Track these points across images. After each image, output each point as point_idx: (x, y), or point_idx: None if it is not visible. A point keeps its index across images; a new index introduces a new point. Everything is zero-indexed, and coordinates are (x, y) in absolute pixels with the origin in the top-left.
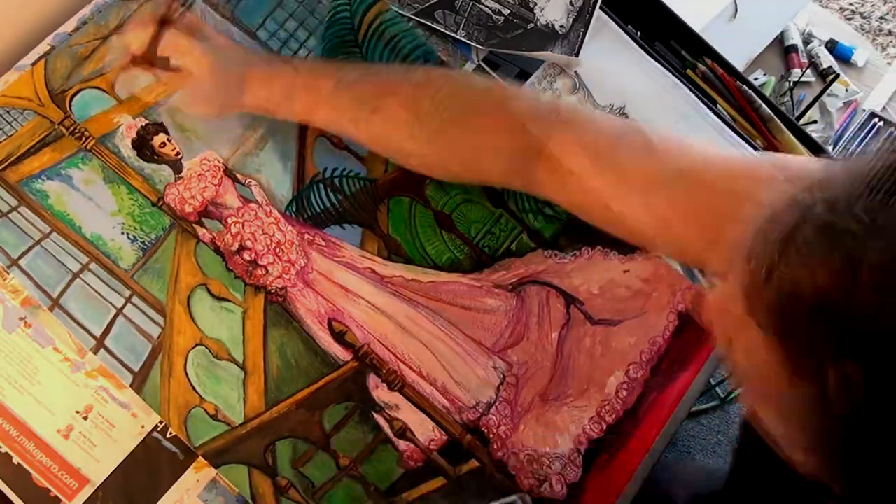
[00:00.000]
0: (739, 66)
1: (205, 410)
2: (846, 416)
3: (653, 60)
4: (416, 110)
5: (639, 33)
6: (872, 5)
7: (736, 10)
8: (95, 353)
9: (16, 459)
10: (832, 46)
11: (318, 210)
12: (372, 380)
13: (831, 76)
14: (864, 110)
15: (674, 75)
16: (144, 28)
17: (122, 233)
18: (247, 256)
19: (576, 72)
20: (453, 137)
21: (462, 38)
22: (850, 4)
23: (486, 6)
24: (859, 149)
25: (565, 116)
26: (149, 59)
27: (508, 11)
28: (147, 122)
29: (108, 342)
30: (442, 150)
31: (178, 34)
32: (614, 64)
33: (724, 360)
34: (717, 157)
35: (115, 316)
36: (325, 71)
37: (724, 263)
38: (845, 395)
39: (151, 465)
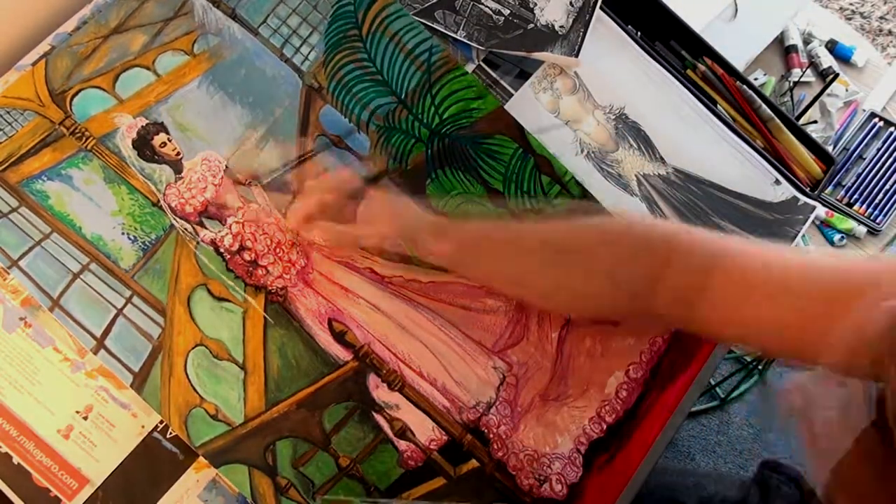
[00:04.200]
0: (739, 66)
1: (205, 410)
2: None
3: (653, 60)
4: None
5: (639, 33)
6: (872, 5)
7: (736, 10)
8: (95, 353)
9: (16, 459)
10: (832, 46)
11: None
12: (372, 380)
13: (831, 76)
14: (864, 110)
15: (674, 75)
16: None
17: (123, 233)
18: (247, 256)
19: (576, 72)
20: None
21: (462, 39)
22: (850, 4)
23: (486, 6)
24: (859, 149)
25: (675, 242)
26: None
27: (508, 12)
28: (147, 122)
29: (108, 342)
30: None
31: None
32: (614, 64)
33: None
34: (819, 261)
35: (116, 316)
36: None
37: (840, 363)
38: None
39: (151, 465)
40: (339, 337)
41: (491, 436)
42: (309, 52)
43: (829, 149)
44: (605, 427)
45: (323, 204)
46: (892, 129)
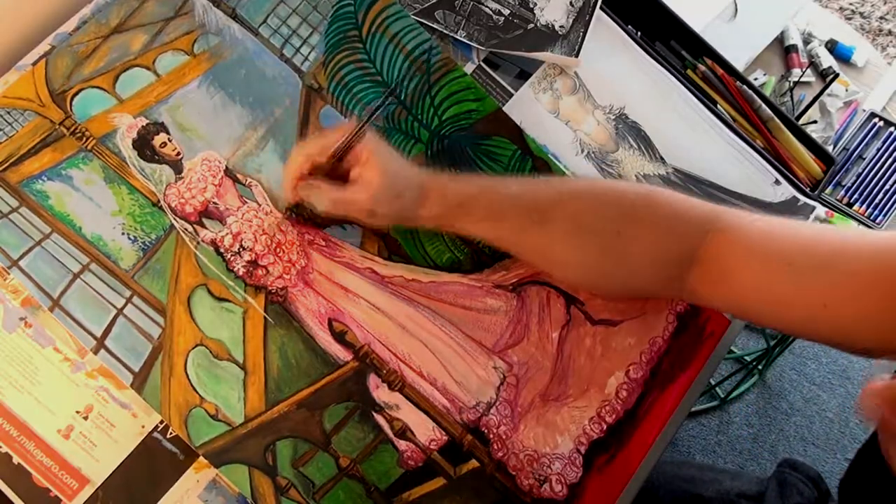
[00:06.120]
0: (739, 66)
1: (205, 410)
2: None
3: (653, 60)
4: (580, 222)
5: (639, 33)
6: (872, 5)
7: (736, 10)
8: (96, 353)
9: (16, 459)
10: (832, 46)
11: (318, 210)
12: (372, 380)
13: (831, 76)
14: (864, 110)
15: (674, 75)
16: (328, 139)
17: (123, 233)
18: (247, 257)
19: (576, 72)
20: (611, 248)
21: (462, 39)
22: (850, 4)
23: (486, 6)
24: (859, 149)
25: (717, 222)
26: (328, 167)
27: (508, 12)
28: (148, 122)
29: (108, 342)
30: (602, 262)
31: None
32: (614, 64)
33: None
34: (870, 233)
35: (116, 316)
36: (487, 183)
37: None
38: None
39: (151, 465)
40: (340, 337)
41: (491, 436)
42: (309, 53)
43: (829, 149)
44: (605, 427)
45: (313, 165)
46: (892, 129)
